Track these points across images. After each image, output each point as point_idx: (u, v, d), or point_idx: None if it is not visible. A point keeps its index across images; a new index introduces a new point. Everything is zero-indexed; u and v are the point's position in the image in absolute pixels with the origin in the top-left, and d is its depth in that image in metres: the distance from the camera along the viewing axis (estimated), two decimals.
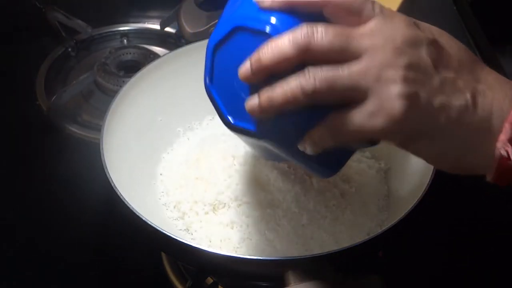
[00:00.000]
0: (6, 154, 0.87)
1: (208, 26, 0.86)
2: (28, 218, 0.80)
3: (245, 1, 0.52)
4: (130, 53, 0.99)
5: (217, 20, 0.89)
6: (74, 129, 0.90)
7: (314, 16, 0.50)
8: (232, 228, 0.68)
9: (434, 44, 0.49)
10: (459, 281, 0.76)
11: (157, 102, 0.77)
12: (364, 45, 0.48)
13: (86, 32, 1.04)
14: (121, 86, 0.74)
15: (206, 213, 0.70)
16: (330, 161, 0.54)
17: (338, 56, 0.48)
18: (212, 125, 0.81)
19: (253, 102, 0.50)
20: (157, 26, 1.03)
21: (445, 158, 0.51)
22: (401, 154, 0.73)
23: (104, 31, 1.06)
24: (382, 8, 0.50)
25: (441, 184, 0.64)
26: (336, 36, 0.48)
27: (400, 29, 0.49)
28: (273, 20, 0.50)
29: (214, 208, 0.71)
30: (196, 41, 0.81)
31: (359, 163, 0.74)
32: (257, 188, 0.72)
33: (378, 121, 0.48)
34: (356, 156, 0.75)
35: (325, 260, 0.58)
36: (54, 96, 0.92)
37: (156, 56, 0.97)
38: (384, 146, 0.75)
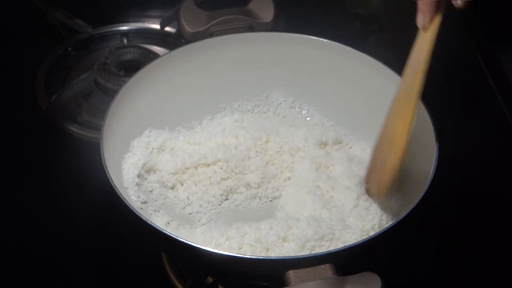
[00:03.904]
0: (6, 154, 0.86)
1: (208, 26, 0.86)
2: (27, 217, 0.80)
3: None
4: (130, 53, 0.99)
5: (217, 20, 0.89)
6: (74, 129, 0.90)
7: None
8: (233, 228, 0.68)
9: None
10: (459, 281, 0.76)
11: (157, 102, 0.77)
12: None
13: (86, 32, 1.04)
14: (121, 86, 0.74)
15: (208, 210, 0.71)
16: None
17: None
18: (212, 124, 0.81)
19: None
20: (157, 26, 1.03)
21: None
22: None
23: (104, 31, 1.06)
24: None
25: (441, 184, 0.64)
26: None
27: None
28: None
29: (215, 206, 0.71)
30: (196, 41, 0.81)
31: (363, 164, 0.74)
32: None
33: None
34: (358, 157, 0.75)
35: (325, 260, 0.58)
36: (54, 96, 0.92)
37: (156, 56, 0.96)
38: None
